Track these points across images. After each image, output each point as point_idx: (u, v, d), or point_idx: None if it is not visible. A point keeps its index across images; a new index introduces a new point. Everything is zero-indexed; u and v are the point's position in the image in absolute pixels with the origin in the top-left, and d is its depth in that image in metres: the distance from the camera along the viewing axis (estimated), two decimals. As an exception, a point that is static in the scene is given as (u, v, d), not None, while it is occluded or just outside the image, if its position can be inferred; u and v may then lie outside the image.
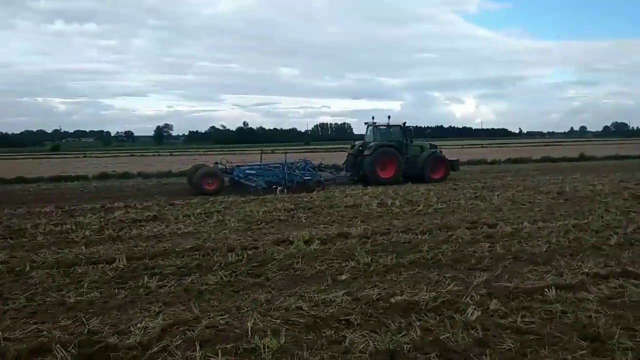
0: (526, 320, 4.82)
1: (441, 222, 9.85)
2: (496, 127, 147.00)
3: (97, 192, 17.50)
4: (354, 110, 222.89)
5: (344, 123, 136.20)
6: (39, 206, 13.17)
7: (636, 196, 13.05)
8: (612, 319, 4.79)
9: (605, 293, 5.52)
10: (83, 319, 5.03)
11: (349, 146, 21.62)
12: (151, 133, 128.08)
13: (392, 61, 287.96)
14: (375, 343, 4.37)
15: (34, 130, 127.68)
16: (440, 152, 19.98)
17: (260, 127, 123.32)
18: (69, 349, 4.27)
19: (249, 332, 4.58)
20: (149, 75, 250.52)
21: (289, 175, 16.56)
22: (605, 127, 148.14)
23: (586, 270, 6.35)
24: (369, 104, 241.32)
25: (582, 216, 10.30)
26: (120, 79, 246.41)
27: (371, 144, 18.34)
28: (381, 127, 19.08)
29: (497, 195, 13.71)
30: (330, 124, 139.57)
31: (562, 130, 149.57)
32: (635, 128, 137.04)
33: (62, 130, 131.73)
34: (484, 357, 4.11)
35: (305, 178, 16.72)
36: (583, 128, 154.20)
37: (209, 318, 4.99)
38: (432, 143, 21.15)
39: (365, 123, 19.67)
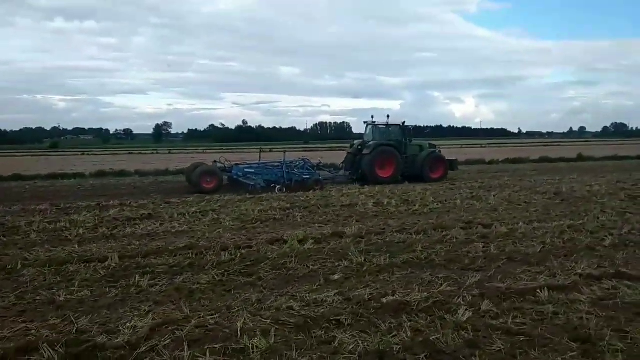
0: (517, 321, 4.79)
1: (436, 222, 9.83)
2: (495, 127, 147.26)
3: (93, 190, 17.47)
4: (354, 109, 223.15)
5: (344, 122, 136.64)
6: (34, 204, 13.14)
7: (633, 197, 13.04)
8: (604, 320, 4.77)
9: (597, 294, 5.50)
10: (72, 318, 5.00)
11: (348, 145, 21.61)
12: (150, 131, 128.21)
13: (392, 61, 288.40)
14: (365, 344, 4.35)
15: (33, 127, 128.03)
16: (440, 151, 19.97)
17: (260, 126, 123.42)
18: (56, 348, 4.23)
19: (239, 332, 4.55)
20: (149, 73, 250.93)
21: (288, 174, 16.54)
22: (605, 128, 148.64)
23: (579, 271, 6.32)
24: (368, 103, 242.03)
25: (577, 217, 10.28)
26: (120, 76, 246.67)
27: (370, 143, 18.32)
28: (380, 127, 19.05)
29: (494, 196, 13.68)
30: (330, 123, 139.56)
31: (561, 131, 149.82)
32: (634, 129, 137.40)
33: (61, 128, 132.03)
34: (473, 358, 4.09)
35: (304, 177, 16.70)
36: (582, 128, 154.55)
37: (199, 318, 4.96)
38: (432, 143, 21.16)
39: (365, 122, 19.66)
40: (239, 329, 4.61)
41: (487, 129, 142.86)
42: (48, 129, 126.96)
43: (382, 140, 18.44)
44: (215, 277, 6.38)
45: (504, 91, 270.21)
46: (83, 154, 48.72)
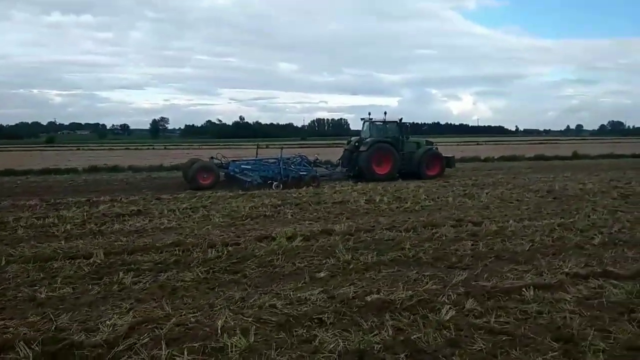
0: (501, 320, 4.76)
1: (427, 220, 9.79)
2: (493, 125, 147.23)
3: (85, 185, 17.37)
4: (352, 105, 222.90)
5: (341, 119, 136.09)
6: (24, 199, 13.05)
7: (625, 195, 13.03)
8: (588, 319, 4.74)
9: (583, 293, 5.47)
10: (52, 316, 4.94)
11: (345, 142, 21.54)
12: (147, 126, 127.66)
13: (391, 57, 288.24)
14: (346, 342, 4.30)
15: (29, 122, 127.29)
16: (437, 148, 19.92)
17: (257, 122, 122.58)
18: (32, 346, 4.18)
19: (219, 331, 4.50)
20: (146, 68, 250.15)
21: (285, 171, 16.49)
22: (602, 126, 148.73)
23: (566, 270, 6.29)
24: (366, 100, 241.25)
25: (568, 215, 10.25)
26: (117, 71, 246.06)
27: (367, 139, 18.26)
28: (377, 123, 19.00)
29: (486, 193, 13.65)
30: (327, 119, 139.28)
31: (558, 129, 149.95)
32: (631, 127, 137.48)
33: (58, 123, 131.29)
34: (454, 357, 4.06)
35: (301, 173, 16.65)
36: (579, 126, 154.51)
37: (180, 316, 4.91)
38: (429, 140, 21.11)
39: (362, 119, 19.59)
40: (219, 327, 4.56)
41: (484, 126, 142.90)
42: (44, 124, 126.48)
43: (379, 137, 18.39)
44: (200, 274, 6.32)
45: (502, 89, 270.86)
46: (78, 149, 48.49)
